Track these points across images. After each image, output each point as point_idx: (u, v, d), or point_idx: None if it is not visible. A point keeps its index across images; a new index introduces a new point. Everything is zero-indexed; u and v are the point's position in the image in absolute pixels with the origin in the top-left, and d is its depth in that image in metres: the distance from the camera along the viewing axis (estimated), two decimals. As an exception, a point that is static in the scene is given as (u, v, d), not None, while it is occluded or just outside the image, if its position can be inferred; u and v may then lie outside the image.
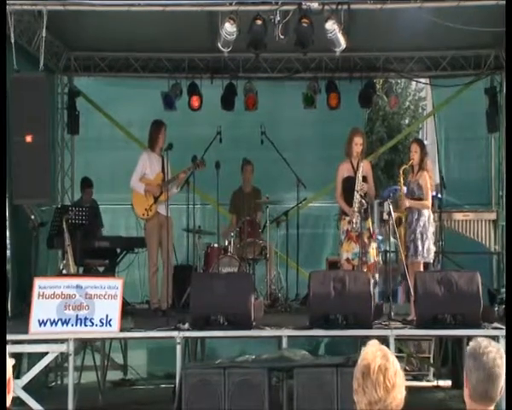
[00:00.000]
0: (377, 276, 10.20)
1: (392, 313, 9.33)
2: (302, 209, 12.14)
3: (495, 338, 7.56)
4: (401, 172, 10.15)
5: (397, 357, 3.22)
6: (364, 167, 10.15)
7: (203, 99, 12.67)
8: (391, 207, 9.73)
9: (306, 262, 12.10)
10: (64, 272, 10.26)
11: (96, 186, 12.36)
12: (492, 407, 3.42)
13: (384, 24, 10.64)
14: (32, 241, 10.23)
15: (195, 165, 10.58)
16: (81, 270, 10.90)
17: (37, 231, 10.34)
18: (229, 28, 9.27)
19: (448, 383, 11.57)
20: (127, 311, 10.03)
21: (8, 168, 8.97)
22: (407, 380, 3.16)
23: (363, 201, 9.93)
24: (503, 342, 7.85)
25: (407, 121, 27.64)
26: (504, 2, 8.35)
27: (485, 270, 11.28)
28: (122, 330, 8.85)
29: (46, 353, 8.78)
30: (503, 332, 8.17)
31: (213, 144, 11.30)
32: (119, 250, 11.80)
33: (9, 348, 7.29)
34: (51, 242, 11.05)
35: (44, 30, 9.29)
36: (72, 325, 8.64)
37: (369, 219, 10.16)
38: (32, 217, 10.19)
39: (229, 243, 11.38)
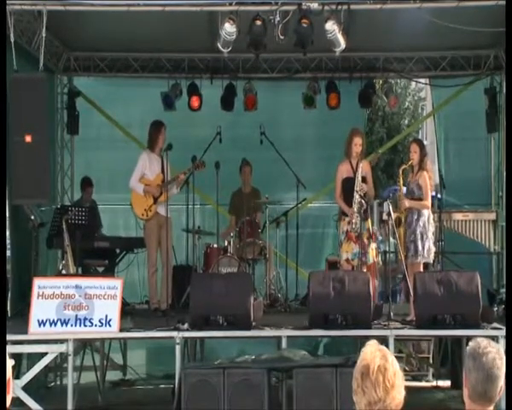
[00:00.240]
0: (377, 281, 10.21)
1: (392, 314, 9.32)
2: (302, 209, 12.14)
3: (494, 338, 7.57)
4: (401, 172, 10.15)
5: (396, 357, 3.22)
6: (364, 168, 10.16)
7: (203, 99, 12.67)
8: (390, 207, 9.74)
9: (306, 262, 12.10)
10: (63, 272, 10.25)
11: (95, 186, 12.37)
12: (492, 408, 3.42)
13: (384, 24, 10.64)
14: (32, 241, 10.23)
15: (195, 166, 10.58)
16: (80, 270, 10.89)
17: (36, 232, 10.34)
18: (228, 28, 9.27)
19: (447, 383, 11.56)
20: (126, 311, 10.04)
21: (7, 168, 8.96)
22: (406, 380, 3.16)
23: (363, 201, 9.93)
24: (502, 342, 7.87)
25: (407, 121, 27.67)
26: (504, 2, 8.36)
27: (484, 270, 11.29)
28: (121, 330, 8.85)
29: (45, 353, 8.78)
30: (503, 332, 8.17)
31: (213, 145, 11.30)
32: (118, 250, 11.80)
33: (9, 349, 7.28)
34: (51, 242, 11.04)
35: (44, 30, 9.29)
36: (72, 326, 8.64)
37: (369, 220, 10.15)
38: (32, 217, 10.19)
39: (229, 243, 11.39)
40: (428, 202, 9.86)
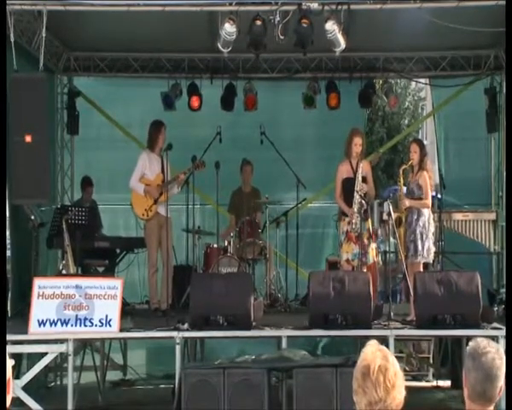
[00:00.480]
0: (377, 281, 10.22)
1: (392, 314, 9.33)
2: (302, 209, 12.14)
3: (494, 338, 7.57)
4: (401, 172, 10.15)
5: (396, 357, 3.22)
6: (364, 168, 10.16)
7: (203, 99, 12.67)
8: (391, 207, 9.73)
9: (306, 262, 12.10)
10: (63, 272, 10.25)
11: (95, 186, 12.37)
12: (492, 408, 3.42)
13: (384, 24, 10.65)
14: (32, 241, 10.23)
15: (195, 165, 10.58)
16: (80, 270, 10.89)
17: (37, 232, 10.34)
18: (228, 28, 9.27)
19: (447, 383, 11.56)
20: (127, 311, 10.04)
21: (7, 168, 8.96)
22: (406, 380, 3.15)
23: (363, 201, 9.93)
24: (502, 342, 7.87)
25: (407, 121, 27.67)
26: (504, 2, 8.36)
27: (484, 270, 11.28)
28: (122, 330, 8.85)
29: (45, 353, 8.78)
30: (503, 332, 8.18)
31: (213, 145, 11.30)
32: (118, 250, 11.80)
33: (9, 349, 7.29)
34: (51, 242, 11.04)
35: (44, 30, 9.28)
36: (72, 326, 8.63)
37: (369, 220, 10.15)
38: (32, 217, 10.19)
39: (229, 243, 11.39)
40: (429, 202, 9.86)
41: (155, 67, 12.69)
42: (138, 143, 12.36)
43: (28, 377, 8.77)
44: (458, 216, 11.55)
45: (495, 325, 8.86)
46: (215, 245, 11.52)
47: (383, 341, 8.09)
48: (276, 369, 8.59)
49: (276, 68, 12.71)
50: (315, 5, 9.16)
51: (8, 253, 10.19)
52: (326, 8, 9.20)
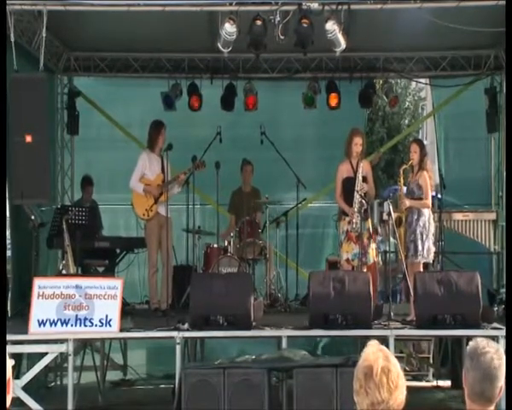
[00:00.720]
0: (378, 282, 10.22)
1: (392, 314, 9.33)
2: (302, 209, 12.14)
3: (494, 338, 7.56)
4: (401, 172, 10.15)
5: (397, 357, 3.22)
6: (364, 167, 10.16)
7: (203, 99, 12.67)
8: (391, 207, 9.73)
9: (306, 262, 12.10)
10: (64, 272, 10.25)
11: (95, 186, 12.37)
12: (492, 408, 3.42)
13: (384, 24, 10.64)
14: (33, 241, 10.23)
15: (195, 165, 10.58)
16: (80, 270, 10.89)
17: (37, 232, 10.33)
18: (229, 28, 9.26)
19: (447, 383, 11.56)
20: (127, 311, 10.04)
21: (7, 168, 8.96)
22: (407, 380, 3.15)
23: (363, 201, 9.94)
24: (502, 342, 7.86)
25: (407, 121, 27.67)
26: (504, 2, 8.36)
27: (484, 270, 11.28)
28: (122, 330, 8.85)
29: (46, 353, 8.78)
30: (503, 332, 8.17)
31: (213, 145, 11.29)
32: (118, 250, 11.80)
33: (9, 349, 7.29)
34: (51, 242, 11.04)
35: (44, 30, 9.29)
36: (72, 326, 8.64)
37: (369, 220, 10.16)
38: (32, 217, 10.18)
39: (229, 243, 11.39)
40: (429, 202, 9.86)
41: (155, 67, 12.69)
42: (138, 143, 12.36)
43: (28, 377, 8.77)
44: (458, 216, 11.55)
45: (495, 325, 8.86)
46: (215, 245, 11.52)
47: (383, 341, 8.09)
48: (277, 369, 8.59)
49: (276, 68, 12.71)
50: (315, 5, 9.16)
51: (9, 253, 10.20)
52: (326, 8, 9.20)
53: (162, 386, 11.51)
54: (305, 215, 12.67)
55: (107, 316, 8.66)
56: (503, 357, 3.45)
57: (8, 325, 8.46)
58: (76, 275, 10.13)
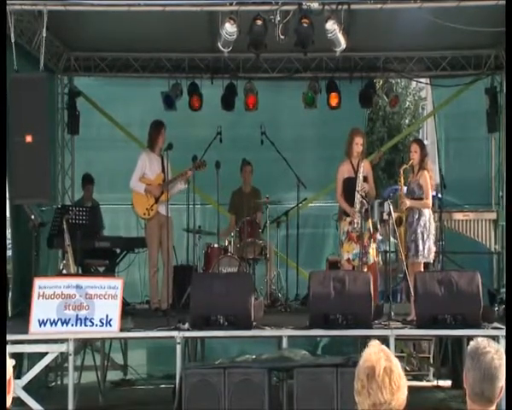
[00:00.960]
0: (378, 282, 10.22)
1: (392, 313, 9.33)
2: (302, 209, 12.14)
3: (495, 338, 7.54)
4: (401, 171, 10.15)
5: (397, 357, 3.22)
6: (365, 167, 10.16)
7: (203, 99, 12.67)
8: (391, 207, 9.73)
9: (306, 262, 12.10)
10: (64, 272, 10.25)
11: (96, 186, 12.38)
12: (493, 408, 3.42)
13: (384, 24, 10.64)
14: (33, 241, 10.23)
15: (196, 165, 10.59)
16: (81, 270, 10.89)
17: (37, 231, 10.33)
18: (229, 28, 9.26)
19: (448, 383, 11.56)
20: (127, 311, 10.04)
21: (8, 168, 8.96)
22: (407, 380, 3.15)
23: (364, 201, 9.94)
24: (503, 342, 7.85)
25: (407, 121, 27.67)
26: (504, 2, 8.36)
27: (485, 270, 11.28)
28: (122, 330, 8.85)
29: (46, 353, 8.78)
30: (503, 332, 8.17)
31: (213, 144, 11.30)
32: (118, 250, 11.80)
33: (9, 349, 7.29)
34: (51, 242, 11.05)
35: (45, 30, 9.28)
36: (72, 325, 8.64)
37: (370, 220, 10.16)
38: (32, 217, 10.18)
39: (229, 243, 11.39)
40: (429, 202, 9.86)
41: (156, 67, 12.69)
42: (138, 143, 12.36)
43: (29, 376, 8.77)
44: (459, 216, 11.54)
45: (495, 324, 8.86)
46: (215, 245, 11.52)
47: (384, 341, 8.08)
48: (277, 369, 8.59)
49: (276, 68, 12.70)
50: (315, 5, 9.16)
51: (9, 253, 10.20)
52: (326, 7, 9.20)
53: (162, 386, 11.51)
54: (305, 215, 12.67)
55: (107, 316, 8.66)
56: (504, 357, 3.45)
57: (8, 325, 8.46)
58: (76, 275, 10.13)
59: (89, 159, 13.21)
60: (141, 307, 11.34)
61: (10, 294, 10.11)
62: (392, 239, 11.13)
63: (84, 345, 10.16)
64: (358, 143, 10.13)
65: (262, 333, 9.02)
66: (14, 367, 3.26)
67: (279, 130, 12.75)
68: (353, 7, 9.33)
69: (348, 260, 9.97)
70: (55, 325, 8.62)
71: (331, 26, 9.24)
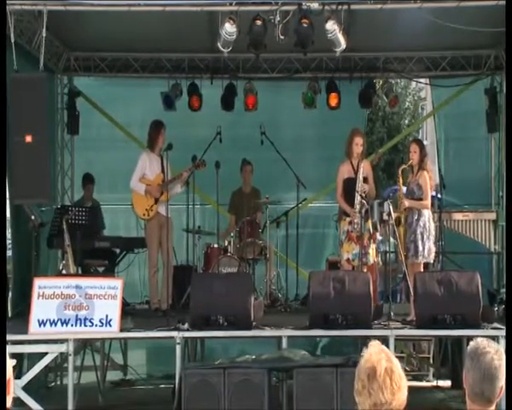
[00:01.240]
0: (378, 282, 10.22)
1: (392, 314, 9.33)
2: (302, 210, 12.15)
3: (495, 338, 7.55)
4: (400, 172, 10.14)
5: (397, 357, 3.22)
6: (365, 168, 10.16)
7: (203, 99, 12.68)
8: (391, 207, 9.73)
9: (306, 262, 12.11)
10: (64, 272, 10.25)
11: (95, 186, 12.38)
12: (493, 408, 3.42)
13: (384, 24, 10.65)
14: (33, 241, 10.23)
15: (196, 165, 10.59)
16: (81, 270, 10.89)
17: (37, 232, 10.33)
18: (229, 28, 9.26)
19: (448, 383, 11.57)
20: (127, 311, 10.04)
21: (8, 168, 8.96)
22: (407, 380, 3.15)
23: (364, 201, 9.94)
24: (502, 342, 7.86)
25: (407, 121, 27.68)
26: (504, 2, 8.36)
27: (484, 270, 11.29)
28: (122, 330, 8.85)
29: (46, 353, 8.78)
30: (503, 332, 8.17)
31: (213, 144, 11.30)
32: (118, 250, 11.80)
33: (9, 349, 7.28)
34: (51, 242, 11.05)
35: (44, 30, 9.28)
36: (72, 326, 8.64)
37: (370, 220, 10.16)
38: (32, 217, 10.18)
39: (229, 243, 11.39)
40: (428, 202, 9.86)
41: (155, 67, 12.68)
42: (138, 143, 12.36)
43: (28, 377, 8.77)
44: (458, 216, 11.54)
45: (495, 325, 8.86)
46: (215, 245, 11.52)
47: (383, 341, 8.08)
48: (277, 369, 8.59)
49: (276, 68, 12.70)
50: (315, 5, 9.16)
51: (9, 253, 10.20)
52: (326, 8, 9.20)
53: (162, 386, 11.51)
54: (305, 215, 12.67)
55: (107, 316, 8.66)
56: (504, 357, 3.45)
57: (8, 325, 8.47)
58: (76, 275, 10.14)
59: (89, 159, 13.21)
60: (141, 308, 11.34)
61: (10, 294, 10.11)
62: (391, 239, 11.12)
63: (83, 345, 10.17)
64: (358, 144, 10.13)
65: (262, 333, 9.02)
66: (14, 367, 3.25)
67: (279, 130, 12.75)
68: (353, 7, 9.33)
69: (348, 260, 9.97)
70: (55, 325, 8.62)
71: (331, 26, 9.24)
